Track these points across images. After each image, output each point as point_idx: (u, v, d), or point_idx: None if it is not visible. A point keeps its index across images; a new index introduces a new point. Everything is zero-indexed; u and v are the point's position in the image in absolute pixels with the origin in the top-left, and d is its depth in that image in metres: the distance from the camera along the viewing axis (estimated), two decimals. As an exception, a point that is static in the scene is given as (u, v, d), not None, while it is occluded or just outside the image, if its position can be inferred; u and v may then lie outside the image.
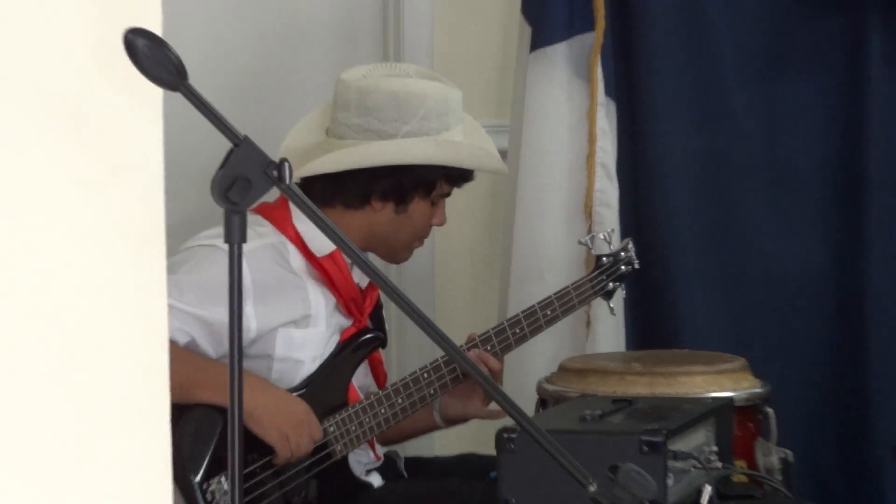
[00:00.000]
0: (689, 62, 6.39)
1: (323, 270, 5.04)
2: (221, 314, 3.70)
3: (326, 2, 6.18)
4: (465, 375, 4.92)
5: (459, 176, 5.21)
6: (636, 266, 5.47)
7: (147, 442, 3.22)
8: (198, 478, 4.73)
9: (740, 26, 6.43)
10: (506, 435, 4.50)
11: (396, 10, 6.23)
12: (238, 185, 3.46)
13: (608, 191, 6.14)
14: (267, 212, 4.91)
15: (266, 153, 3.51)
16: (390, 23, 6.24)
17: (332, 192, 5.06)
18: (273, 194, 3.48)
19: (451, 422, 5.24)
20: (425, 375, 5.04)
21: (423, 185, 5.15)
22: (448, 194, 5.23)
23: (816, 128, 6.50)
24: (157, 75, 3.15)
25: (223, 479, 4.60)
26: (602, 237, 5.75)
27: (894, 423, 6.24)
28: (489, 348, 5.10)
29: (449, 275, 6.14)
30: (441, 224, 5.25)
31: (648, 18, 6.31)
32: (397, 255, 5.24)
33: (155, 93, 3.20)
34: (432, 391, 5.06)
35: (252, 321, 4.74)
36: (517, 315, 5.28)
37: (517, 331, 5.19)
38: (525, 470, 4.46)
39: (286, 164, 3.37)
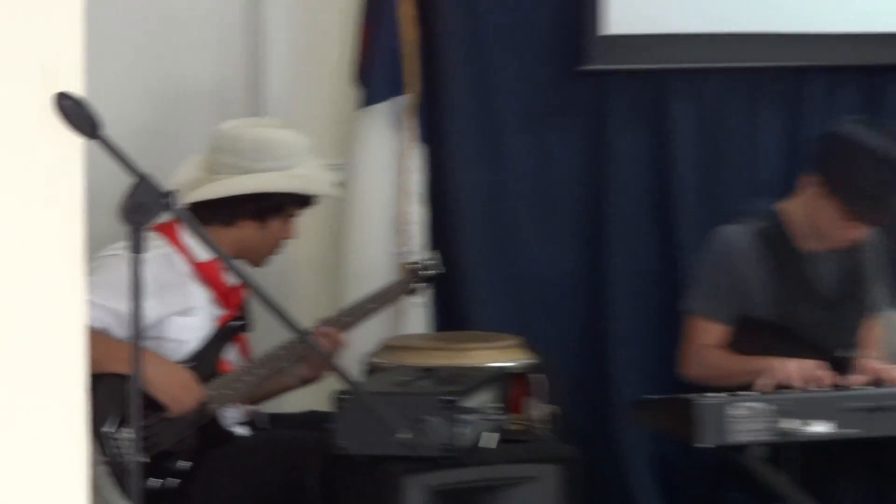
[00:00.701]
0: (479, 116, 6.40)
1: (203, 273, 5.07)
2: (127, 306, 3.72)
3: (205, 69, 6.14)
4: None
5: (305, 200, 5.26)
6: (439, 271, 5.57)
7: (69, 403, 3.26)
8: (108, 429, 4.75)
9: (518, 89, 6.46)
10: (340, 396, 4.57)
11: (261, 76, 6.21)
12: (139, 209, 3.52)
13: (417, 213, 6.17)
14: (161, 229, 4.91)
15: (158, 184, 3.57)
16: (256, 85, 6.21)
17: (210, 214, 5.07)
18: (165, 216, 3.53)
19: (305, 383, 5.27)
20: (281, 351, 5.08)
21: (278, 207, 5.20)
22: (297, 214, 5.27)
23: (572, 167, 6.54)
24: (79, 127, 3.19)
25: (127, 429, 4.57)
26: (413, 250, 5.87)
27: (627, 387, 6.31)
28: (336, 325, 5.17)
29: (300, 276, 6.14)
30: (292, 237, 5.29)
31: (449, 83, 6.32)
32: (260, 261, 5.25)
33: (78, 140, 3.24)
34: (286, 363, 5.10)
35: (150, 311, 4.75)
36: (351, 305, 5.35)
37: (351, 317, 5.26)
38: (354, 422, 4.52)
39: (175, 193, 3.46)
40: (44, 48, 3.21)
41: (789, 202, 5.42)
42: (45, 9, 3.23)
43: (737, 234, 5.41)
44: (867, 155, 5.17)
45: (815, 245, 5.35)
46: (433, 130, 6.32)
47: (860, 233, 5.30)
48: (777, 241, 5.36)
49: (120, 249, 4.29)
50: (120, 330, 4.69)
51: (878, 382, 5.21)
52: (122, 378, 4.41)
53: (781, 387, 4.93)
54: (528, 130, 6.51)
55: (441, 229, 6.30)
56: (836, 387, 5.01)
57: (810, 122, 6.47)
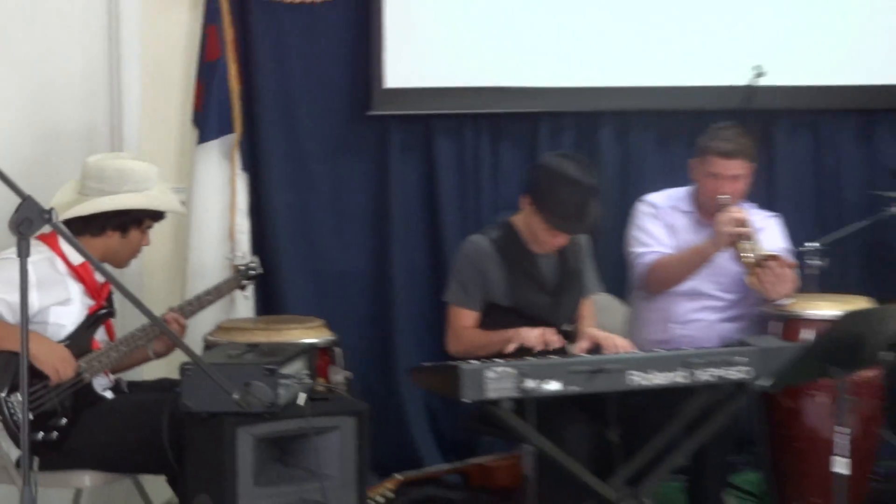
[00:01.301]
0: (288, 150, 6.48)
1: (77, 273, 5.03)
2: (16, 298, 3.71)
3: (76, 113, 6.05)
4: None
5: (156, 215, 5.21)
6: (260, 271, 5.60)
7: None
8: (1, 394, 4.70)
9: (319, 129, 6.54)
10: (185, 366, 4.54)
11: (120, 118, 6.14)
12: (25, 223, 3.56)
13: (243, 225, 6.17)
14: (44, 238, 4.86)
15: (41, 205, 3.60)
16: (117, 126, 6.17)
17: (82, 227, 5.01)
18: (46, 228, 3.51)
19: (158, 356, 5.27)
20: (138, 332, 5.07)
21: (136, 221, 5.16)
22: (151, 226, 5.24)
23: (362, 189, 6.66)
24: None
25: (17, 394, 4.54)
26: (241, 254, 5.89)
27: (407, 357, 6.42)
28: (180, 312, 5.18)
29: (153, 274, 6.10)
30: (147, 244, 5.25)
31: (265, 125, 6.39)
32: (122, 263, 5.18)
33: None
34: (142, 341, 5.09)
35: (35, 302, 4.74)
36: (193, 298, 5.36)
37: (192, 307, 5.27)
38: (196, 386, 4.49)
39: (53, 211, 3.50)
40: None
41: (517, 216, 5.43)
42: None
43: (480, 241, 5.41)
44: (562, 180, 5.26)
45: (537, 248, 5.45)
46: (254, 161, 6.35)
47: (563, 240, 5.35)
48: (510, 245, 5.36)
49: (10, 254, 4.24)
50: (11, 316, 4.63)
51: (596, 347, 5.33)
52: (13, 354, 4.42)
53: (523, 353, 5.02)
54: (327, 161, 6.55)
55: (261, 238, 6.32)
56: (563, 354, 5.10)
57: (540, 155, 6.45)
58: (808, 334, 5.53)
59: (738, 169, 5.83)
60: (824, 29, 7.09)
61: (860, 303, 5.73)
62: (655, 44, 6.84)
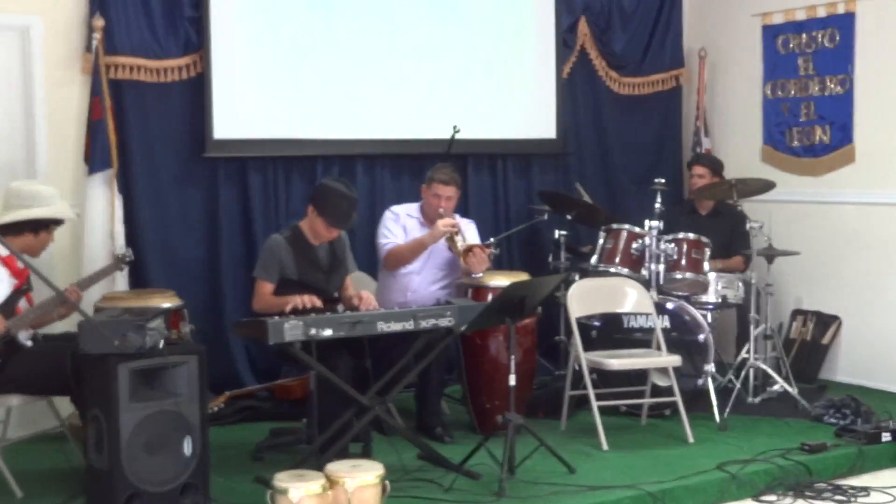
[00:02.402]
0: (148, 180, 6.25)
1: (4, 261, 4.86)
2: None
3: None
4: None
5: (58, 221, 5.08)
6: (132, 258, 5.45)
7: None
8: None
9: (171, 165, 6.33)
10: (81, 323, 4.42)
11: (35, 154, 5.97)
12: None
13: (120, 229, 5.96)
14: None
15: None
16: (30, 161, 5.98)
17: (7, 230, 4.84)
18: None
19: (61, 318, 5.11)
20: (48, 301, 4.90)
21: (44, 225, 5.01)
22: (54, 229, 5.06)
23: (196, 206, 6.48)
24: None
25: None
26: (120, 247, 5.73)
27: (231, 316, 6.27)
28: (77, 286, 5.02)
29: (58, 261, 5.90)
30: (53, 241, 5.09)
31: (131, 163, 6.17)
32: (35, 255, 5.00)
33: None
34: (51, 307, 4.93)
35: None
36: (86, 277, 5.20)
37: (86, 283, 5.11)
38: (90, 336, 4.38)
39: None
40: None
41: (303, 221, 5.39)
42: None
43: (278, 237, 5.35)
44: (336, 193, 5.27)
45: (315, 241, 5.41)
46: (126, 186, 6.13)
47: (335, 233, 5.35)
48: (297, 239, 5.32)
49: None
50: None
51: (348, 300, 5.40)
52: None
53: (307, 312, 5.00)
54: (175, 187, 6.36)
55: (132, 237, 6.07)
56: (333, 312, 5.12)
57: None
58: (490, 296, 5.62)
59: (452, 192, 5.92)
60: (497, 100, 7.26)
61: (522, 276, 5.87)
62: (391, 110, 6.90)
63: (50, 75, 5.99)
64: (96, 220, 5.94)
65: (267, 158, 6.58)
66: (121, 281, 5.85)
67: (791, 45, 7.37)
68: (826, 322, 7.11)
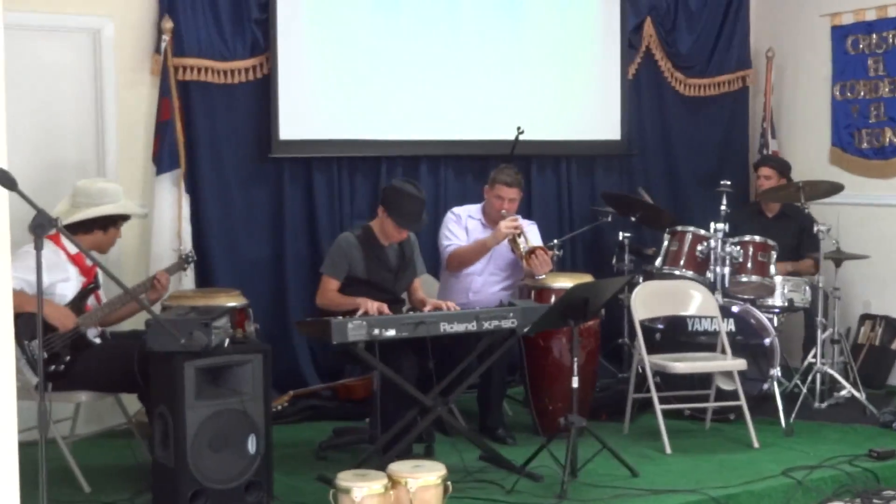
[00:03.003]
0: (216, 179, 6.27)
1: (74, 259, 4.94)
2: (34, 277, 3.64)
3: (72, 151, 5.95)
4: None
5: (125, 217, 5.15)
6: (195, 258, 5.52)
7: (1, 334, 3.20)
8: (25, 340, 4.60)
9: (235, 163, 6.36)
10: (149, 322, 4.48)
11: (102, 156, 6.05)
12: (39, 227, 3.47)
13: (187, 228, 6.03)
14: (50, 237, 4.76)
15: (49, 214, 3.52)
16: (100, 161, 6.06)
17: (77, 228, 4.93)
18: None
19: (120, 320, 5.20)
20: (115, 299, 4.98)
21: (112, 222, 5.09)
22: (122, 225, 5.15)
23: (268, 205, 6.50)
24: (4, 184, 3.15)
25: (36, 340, 4.42)
26: (184, 248, 5.78)
27: (295, 316, 6.23)
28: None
29: (127, 260, 5.96)
30: (120, 237, 5.18)
31: (199, 163, 6.20)
32: (104, 251, 5.08)
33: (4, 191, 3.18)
34: (119, 305, 5.00)
35: (46, 279, 4.60)
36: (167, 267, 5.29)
37: (171, 271, 5.23)
38: (157, 334, 4.43)
39: (59, 219, 3.43)
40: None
41: (373, 221, 5.41)
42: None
43: (348, 235, 5.36)
44: (405, 195, 5.27)
45: (385, 241, 5.43)
46: (193, 186, 6.17)
47: (405, 234, 5.35)
48: (367, 238, 5.33)
49: (29, 248, 4.16)
50: (30, 291, 4.53)
51: (420, 303, 5.40)
52: (32, 314, 4.29)
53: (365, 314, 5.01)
54: (242, 187, 6.39)
55: (198, 237, 6.16)
56: (397, 312, 5.13)
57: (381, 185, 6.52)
58: (553, 298, 5.59)
59: (514, 193, 5.89)
60: (562, 101, 7.23)
61: (585, 278, 5.82)
62: (455, 110, 6.89)
63: (120, 76, 6.06)
64: (164, 219, 5.99)
65: (331, 159, 6.60)
66: (187, 280, 5.91)
67: (861, 46, 7.24)
68: (895, 327, 6.97)
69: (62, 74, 5.93)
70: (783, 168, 7.06)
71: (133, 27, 6.08)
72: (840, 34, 7.36)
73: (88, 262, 4.95)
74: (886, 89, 7.09)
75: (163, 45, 5.98)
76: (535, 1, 7.11)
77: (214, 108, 6.29)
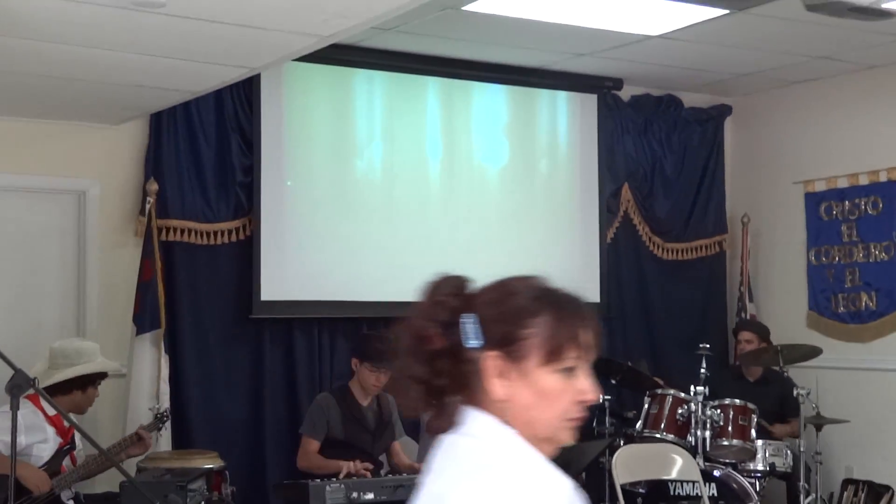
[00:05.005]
0: (196, 340, 6.31)
1: (51, 420, 4.93)
2: (8, 438, 3.62)
3: (51, 314, 6.02)
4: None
5: (103, 375, 5.19)
6: (168, 418, 5.55)
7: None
8: (-3, 503, 4.55)
9: (216, 323, 6.40)
10: (123, 483, 4.44)
11: (83, 316, 6.12)
12: (16, 387, 3.47)
13: (165, 388, 5.97)
14: (29, 397, 4.72)
15: (28, 375, 3.52)
16: (80, 321, 6.12)
17: (55, 389, 4.95)
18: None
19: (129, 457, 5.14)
20: (91, 459, 4.94)
21: (91, 381, 5.12)
22: (100, 383, 5.20)
23: (250, 368, 6.52)
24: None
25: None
26: (160, 406, 5.73)
27: (273, 478, 6.19)
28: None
29: (103, 417, 5.90)
30: (98, 396, 5.21)
31: (181, 324, 6.26)
32: (82, 412, 5.13)
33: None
34: (95, 466, 4.96)
35: (23, 439, 4.60)
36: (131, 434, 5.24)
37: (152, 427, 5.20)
38: (131, 497, 4.39)
39: (37, 379, 3.44)
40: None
41: (351, 381, 5.45)
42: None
43: (327, 395, 5.42)
44: (375, 335, 5.39)
45: (364, 400, 5.42)
46: (173, 347, 6.20)
47: (384, 378, 5.31)
48: (346, 399, 5.37)
49: (5, 408, 4.16)
50: (5, 451, 4.50)
51: (408, 469, 5.35)
52: (5, 476, 4.23)
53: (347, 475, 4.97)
54: (222, 347, 6.41)
55: (177, 396, 6.14)
56: (376, 476, 5.10)
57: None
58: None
59: None
60: (541, 263, 7.08)
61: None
62: (434, 272, 6.88)
63: (104, 237, 6.17)
64: (142, 379, 5.97)
65: (312, 319, 6.63)
66: (164, 440, 5.86)
67: (834, 212, 7.41)
68: (879, 492, 6.92)
69: (46, 234, 6.04)
70: (763, 332, 7.11)
71: (118, 189, 6.21)
72: (814, 201, 7.53)
73: (66, 424, 4.91)
74: (860, 255, 7.22)
75: (147, 206, 6.08)
76: (515, 165, 7.27)
77: (196, 269, 6.36)
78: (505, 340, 1.74)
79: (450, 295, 1.83)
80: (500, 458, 1.69)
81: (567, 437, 1.77)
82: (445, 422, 1.76)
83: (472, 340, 1.75)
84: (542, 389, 1.73)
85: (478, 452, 1.71)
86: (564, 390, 1.75)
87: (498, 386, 1.73)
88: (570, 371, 1.75)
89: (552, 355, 1.74)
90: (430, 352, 1.76)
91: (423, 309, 1.81)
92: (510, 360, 1.73)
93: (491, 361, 1.74)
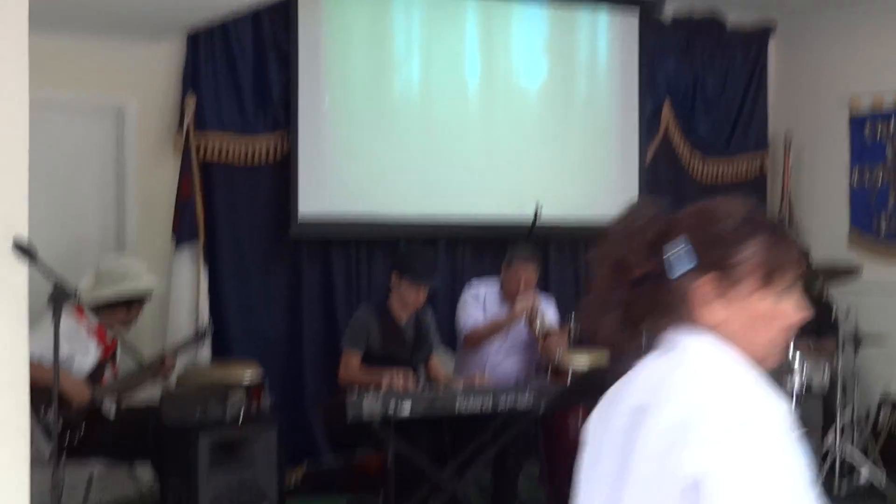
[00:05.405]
0: (233, 256, 6.35)
1: (93, 332, 4.99)
2: (49, 349, 3.69)
3: (93, 229, 6.08)
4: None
5: (148, 294, 5.23)
6: (212, 330, 5.63)
7: (17, 404, 3.23)
8: (40, 410, 4.62)
9: (254, 241, 6.42)
10: (164, 395, 4.50)
11: (122, 232, 6.15)
12: (59, 297, 3.51)
13: (205, 300, 6.04)
14: (72, 309, 4.81)
15: (68, 285, 3.56)
16: (120, 236, 6.18)
17: (100, 307, 5.00)
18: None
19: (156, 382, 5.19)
20: (133, 372, 5.01)
21: (136, 300, 5.16)
22: (144, 301, 5.22)
23: (277, 291, 6.55)
24: (25, 255, 3.19)
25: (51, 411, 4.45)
26: (201, 319, 5.80)
27: (312, 390, 6.29)
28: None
29: (145, 332, 5.94)
30: (142, 313, 5.24)
31: (219, 237, 6.29)
32: (127, 327, 5.16)
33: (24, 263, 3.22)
34: (136, 378, 5.04)
35: (65, 349, 4.66)
36: (172, 347, 5.31)
37: (179, 348, 5.25)
38: (171, 408, 4.44)
39: (77, 290, 3.47)
40: (6, 207, 3.20)
41: (390, 298, 5.48)
42: (10, 185, 3.22)
43: (366, 310, 5.46)
44: (415, 251, 5.52)
45: (403, 315, 5.46)
46: (212, 260, 6.23)
47: (423, 295, 5.39)
48: (385, 315, 5.42)
49: (46, 318, 4.21)
50: (47, 360, 4.57)
51: (445, 383, 5.40)
52: (46, 388, 4.31)
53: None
54: (260, 264, 6.45)
55: (216, 308, 6.18)
56: (414, 388, 5.14)
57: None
58: (570, 376, 5.57)
59: (531, 271, 5.91)
60: (581, 182, 7.28)
61: (602, 355, 5.78)
62: (474, 189, 6.94)
63: (142, 153, 6.18)
64: (182, 293, 6.03)
65: (349, 238, 6.65)
66: (204, 353, 5.92)
67: (879, 131, 7.30)
68: (916, 410, 6.90)
69: (85, 151, 6.04)
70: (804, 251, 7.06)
71: (156, 105, 6.20)
72: (858, 120, 7.42)
73: (109, 337, 4.97)
74: (905, 175, 7.13)
75: (185, 121, 6.08)
76: (554, 85, 7.19)
77: (235, 188, 6.38)
78: (719, 264, 1.69)
79: (651, 221, 1.74)
80: (724, 379, 1.66)
81: (776, 360, 1.74)
82: (642, 346, 1.74)
83: (683, 266, 1.69)
84: (757, 313, 1.70)
85: (700, 374, 1.67)
86: (777, 313, 1.71)
87: (711, 310, 1.69)
88: (783, 293, 1.71)
89: (768, 278, 1.69)
90: (631, 279, 1.71)
91: (621, 236, 1.73)
92: (724, 285, 1.69)
93: (704, 286, 1.69)
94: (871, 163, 7.35)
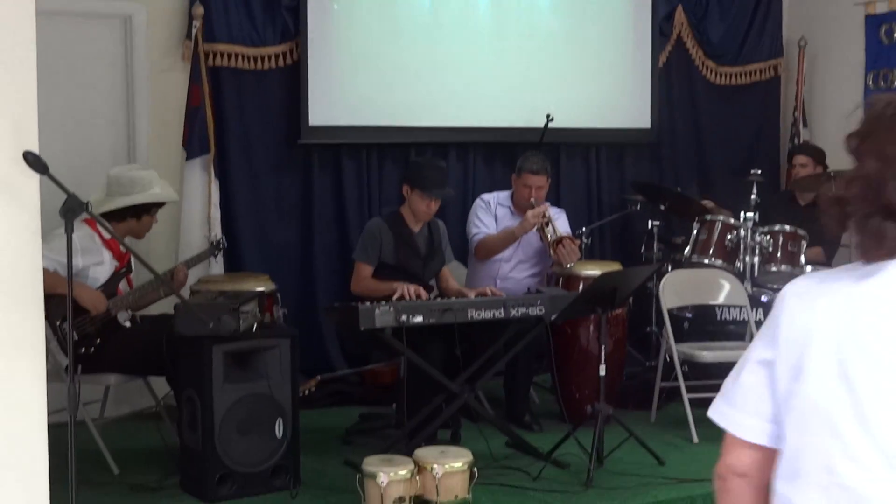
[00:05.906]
0: (244, 165, 6.30)
1: (107, 244, 4.98)
2: (64, 260, 3.67)
3: (104, 139, 6.02)
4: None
5: (159, 204, 5.19)
6: (225, 245, 5.56)
7: (32, 315, 3.22)
8: (56, 322, 4.64)
9: (264, 149, 6.38)
10: (178, 306, 4.52)
11: (132, 142, 6.10)
12: (70, 211, 3.48)
13: (216, 214, 6.05)
14: (87, 221, 4.77)
15: (81, 199, 3.54)
16: (131, 147, 6.13)
17: (111, 216, 4.99)
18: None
19: (167, 295, 5.17)
20: (147, 284, 5.01)
21: (146, 210, 5.12)
22: (157, 211, 5.17)
23: (291, 190, 6.52)
24: (35, 168, 3.16)
25: (65, 323, 4.46)
26: (214, 234, 5.80)
27: (324, 300, 6.30)
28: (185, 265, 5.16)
29: (157, 245, 5.97)
30: (156, 222, 5.21)
31: (228, 148, 6.25)
32: (139, 237, 5.16)
33: (35, 175, 3.19)
34: (150, 289, 5.04)
35: (79, 261, 4.66)
36: (186, 259, 5.32)
37: (189, 264, 5.24)
38: (185, 318, 4.46)
39: (89, 203, 3.44)
40: (16, 118, 3.16)
41: (402, 207, 5.46)
42: (19, 96, 3.17)
43: (378, 220, 5.43)
44: (427, 163, 5.45)
45: (415, 226, 5.45)
46: (223, 172, 6.21)
47: (435, 206, 5.35)
48: (397, 224, 5.39)
49: (59, 230, 4.20)
50: (63, 271, 4.57)
51: (457, 294, 5.39)
52: (63, 296, 4.33)
53: (401, 297, 5.05)
54: (271, 172, 6.41)
55: (228, 222, 6.18)
56: (426, 298, 5.15)
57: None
58: (581, 286, 5.57)
59: (541, 181, 5.87)
60: (591, 89, 7.19)
61: (613, 266, 5.80)
62: (485, 97, 6.87)
63: (151, 62, 6.10)
64: (193, 204, 6.02)
65: (361, 145, 6.60)
66: (216, 264, 5.92)
67: (895, 35, 7.16)
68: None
69: (94, 60, 5.97)
70: (819, 156, 6.95)
71: (164, 13, 6.11)
72: (874, 23, 7.28)
73: (122, 248, 4.97)
74: (920, 79, 7.02)
75: (194, 31, 6.00)
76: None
77: (245, 94, 6.31)
78: None
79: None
80: None
81: None
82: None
83: None
84: None
85: None
86: None
87: None
88: None
89: None
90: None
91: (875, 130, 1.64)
92: None
93: None
94: (886, 66, 7.23)
